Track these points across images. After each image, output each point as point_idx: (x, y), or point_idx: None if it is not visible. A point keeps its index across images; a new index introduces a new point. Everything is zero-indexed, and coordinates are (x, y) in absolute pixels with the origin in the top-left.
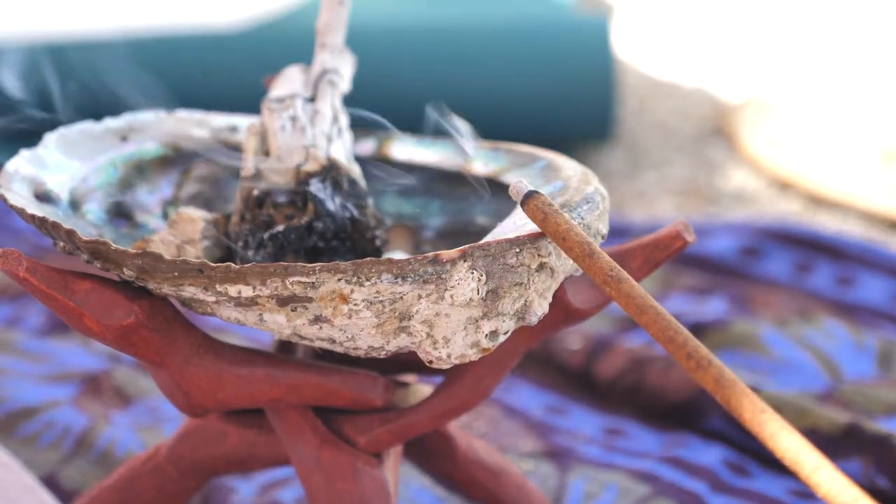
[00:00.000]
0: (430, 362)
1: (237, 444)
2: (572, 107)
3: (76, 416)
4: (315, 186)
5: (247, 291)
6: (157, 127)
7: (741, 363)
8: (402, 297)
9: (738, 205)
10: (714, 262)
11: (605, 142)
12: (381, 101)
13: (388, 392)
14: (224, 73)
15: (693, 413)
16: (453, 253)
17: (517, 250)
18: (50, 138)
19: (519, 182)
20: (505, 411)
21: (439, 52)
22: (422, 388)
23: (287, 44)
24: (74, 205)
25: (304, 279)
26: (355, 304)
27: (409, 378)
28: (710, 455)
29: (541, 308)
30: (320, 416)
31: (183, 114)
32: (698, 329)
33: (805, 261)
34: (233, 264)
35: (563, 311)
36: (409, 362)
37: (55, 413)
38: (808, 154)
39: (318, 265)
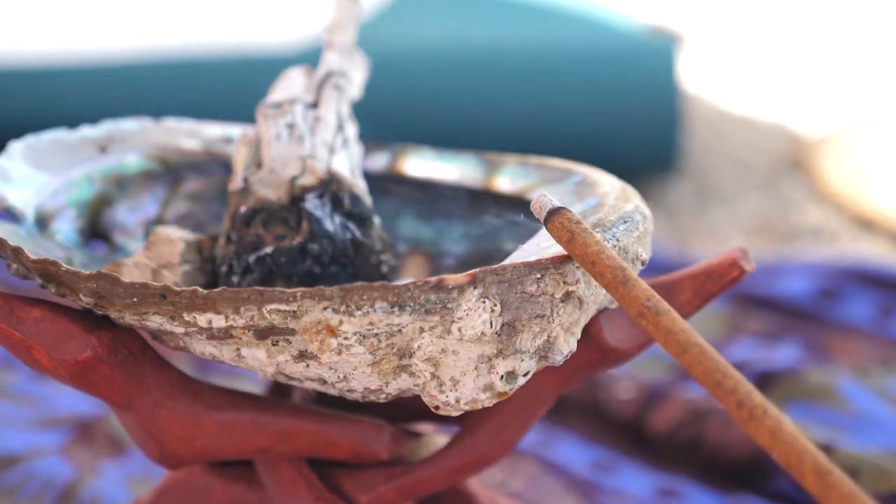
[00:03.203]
0: (437, 408)
1: (223, 501)
2: (634, 135)
3: (61, 467)
4: (311, 203)
5: (218, 321)
6: (141, 137)
7: (815, 416)
8: (400, 330)
9: (816, 243)
10: (787, 304)
11: (670, 173)
12: (438, 125)
13: (395, 443)
14: None
15: (758, 473)
16: (461, 278)
17: (538, 276)
18: (15, 147)
19: (542, 196)
20: (545, 468)
21: (500, 76)
22: (436, 440)
23: None
24: (41, 223)
25: (283, 307)
26: (345, 338)
27: (423, 428)
28: None
29: (567, 345)
30: (317, 469)
31: (172, 123)
32: (767, 378)
33: (889, 304)
34: (199, 289)
35: (597, 351)
36: (422, 409)
37: (39, 462)
38: (894, 190)
39: (299, 290)
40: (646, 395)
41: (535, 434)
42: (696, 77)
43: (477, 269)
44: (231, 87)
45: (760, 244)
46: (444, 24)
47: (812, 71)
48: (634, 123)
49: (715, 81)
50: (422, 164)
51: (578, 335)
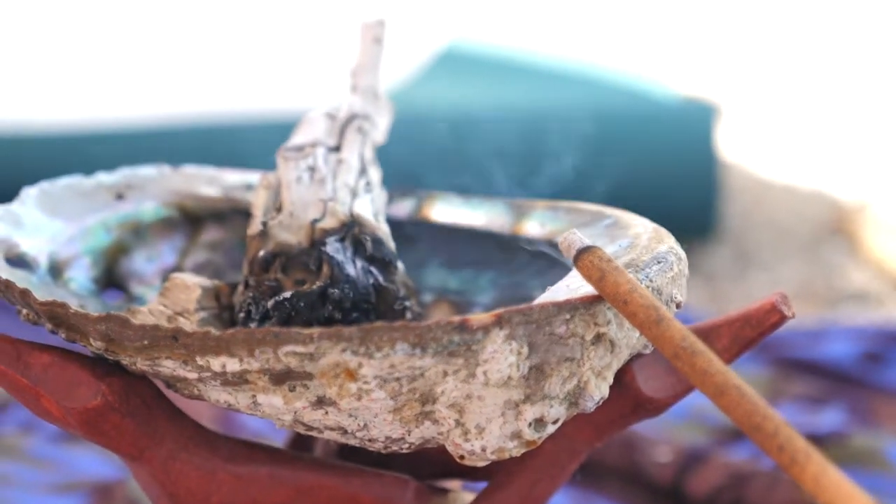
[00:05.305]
0: (462, 457)
1: None
2: (673, 202)
3: None
4: (332, 246)
5: (232, 365)
6: (159, 184)
7: (861, 482)
8: (423, 374)
9: (859, 307)
10: (831, 368)
11: (708, 239)
12: (472, 188)
13: (419, 499)
14: None
15: None
16: (486, 318)
17: (567, 317)
18: (29, 193)
19: (571, 234)
20: None
21: (538, 142)
22: (463, 497)
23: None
24: (55, 271)
25: (299, 349)
26: (365, 382)
27: (450, 484)
28: None
29: (598, 391)
30: None
31: (191, 169)
32: (812, 443)
33: None
34: (213, 330)
35: (631, 400)
36: (447, 462)
37: None
38: None
39: (316, 330)
40: (684, 458)
41: (570, 498)
42: (735, 145)
43: (503, 309)
44: (260, 151)
45: (802, 309)
46: (484, 90)
47: (852, 138)
48: (673, 190)
49: (755, 149)
50: (448, 211)
51: (610, 380)
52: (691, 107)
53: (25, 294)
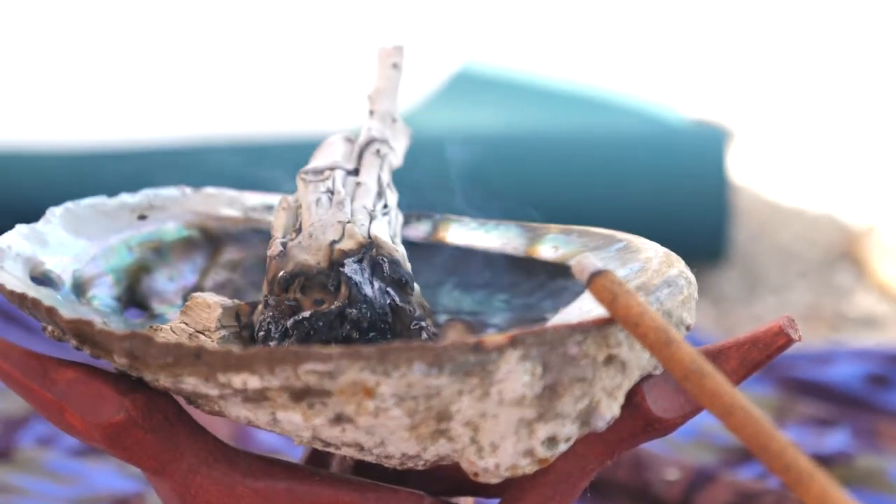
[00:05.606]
0: (476, 474)
1: None
2: (683, 225)
3: None
4: (350, 267)
5: (253, 382)
6: (181, 204)
7: (865, 501)
8: (438, 393)
9: (865, 331)
10: (837, 390)
11: (718, 263)
12: (482, 212)
13: None
14: None
15: None
16: (501, 339)
17: (579, 338)
18: (54, 212)
19: (584, 257)
20: None
21: (548, 164)
22: None
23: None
24: (79, 289)
25: (319, 367)
26: (382, 400)
27: (465, 501)
28: None
29: (609, 410)
30: None
31: (212, 191)
32: (817, 463)
33: None
34: (234, 348)
35: (641, 420)
36: (461, 479)
37: None
38: None
39: (335, 349)
40: (693, 476)
41: None
42: (745, 169)
43: (517, 331)
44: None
45: (809, 332)
46: (496, 113)
47: (860, 162)
48: (683, 213)
49: (764, 173)
50: (463, 233)
51: (621, 400)
52: (703, 130)
53: (52, 312)
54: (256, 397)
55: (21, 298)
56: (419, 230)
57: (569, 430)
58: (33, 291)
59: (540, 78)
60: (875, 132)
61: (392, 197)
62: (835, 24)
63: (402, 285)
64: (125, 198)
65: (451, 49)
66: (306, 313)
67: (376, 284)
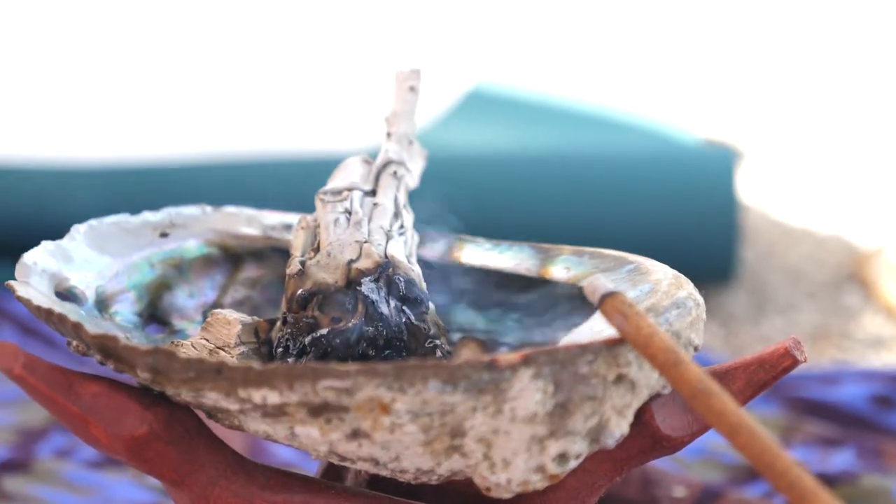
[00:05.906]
0: (488, 490)
1: None
2: (692, 245)
3: None
4: (367, 286)
5: (273, 398)
6: (201, 223)
7: None
8: (453, 410)
9: (872, 352)
10: (843, 410)
11: (726, 283)
12: (493, 229)
13: None
14: None
15: None
16: (514, 357)
17: (590, 358)
18: (78, 230)
19: (595, 279)
20: None
21: (559, 183)
22: None
23: None
24: (102, 305)
25: (336, 383)
26: (398, 416)
27: None
28: None
29: (619, 428)
30: None
31: (231, 209)
32: (823, 482)
33: None
34: (254, 364)
35: (649, 438)
36: (473, 494)
37: None
38: None
39: (352, 366)
40: (700, 494)
41: None
42: (754, 189)
43: (530, 350)
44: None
45: (817, 352)
46: (508, 132)
47: (869, 183)
48: (692, 232)
49: (773, 194)
50: (477, 254)
51: (630, 418)
52: (712, 151)
53: (78, 327)
54: (275, 412)
55: (48, 314)
56: (435, 250)
57: (579, 447)
58: (59, 307)
59: (550, 98)
60: (883, 154)
61: (408, 217)
62: (844, 47)
63: (417, 304)
64: (147, 216)
65: (463, 68)
66: (324, 331)
67: (392, 303)
